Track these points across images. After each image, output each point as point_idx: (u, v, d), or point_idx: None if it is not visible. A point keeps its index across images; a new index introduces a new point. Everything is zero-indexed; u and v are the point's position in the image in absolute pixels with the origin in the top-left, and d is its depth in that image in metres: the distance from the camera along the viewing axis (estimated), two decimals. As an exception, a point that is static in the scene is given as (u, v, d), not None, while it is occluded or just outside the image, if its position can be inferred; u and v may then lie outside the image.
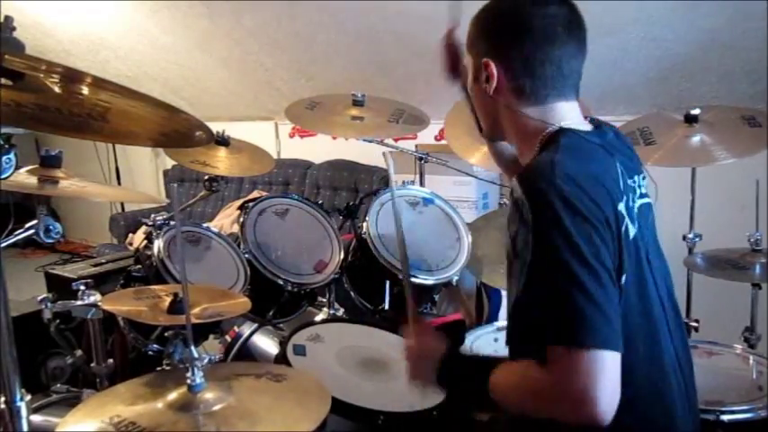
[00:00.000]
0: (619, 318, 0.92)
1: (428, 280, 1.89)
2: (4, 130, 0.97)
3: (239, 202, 2.74)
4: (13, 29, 0.94)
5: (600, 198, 0.95)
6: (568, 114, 1.08)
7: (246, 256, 1.86)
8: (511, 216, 1.01)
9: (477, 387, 1.03)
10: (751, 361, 1.66)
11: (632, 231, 1.00)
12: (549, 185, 0.93)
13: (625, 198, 1.00)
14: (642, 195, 1.10)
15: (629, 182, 1.06)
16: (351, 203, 2.09)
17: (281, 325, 2.00)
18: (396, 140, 2.97)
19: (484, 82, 1.09)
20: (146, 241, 1.82)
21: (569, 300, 0.89)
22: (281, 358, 1.45)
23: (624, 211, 0.99)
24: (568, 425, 0.94)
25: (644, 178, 1.14)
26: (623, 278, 0.97)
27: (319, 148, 4.08)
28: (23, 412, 1.00)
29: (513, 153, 1.40)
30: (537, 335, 0.92)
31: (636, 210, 1.04)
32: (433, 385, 1.16)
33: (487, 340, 1.85)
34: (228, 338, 1.95)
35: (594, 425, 0.87)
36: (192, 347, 0.99)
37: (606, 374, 0.87)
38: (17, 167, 1.02)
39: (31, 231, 1.24)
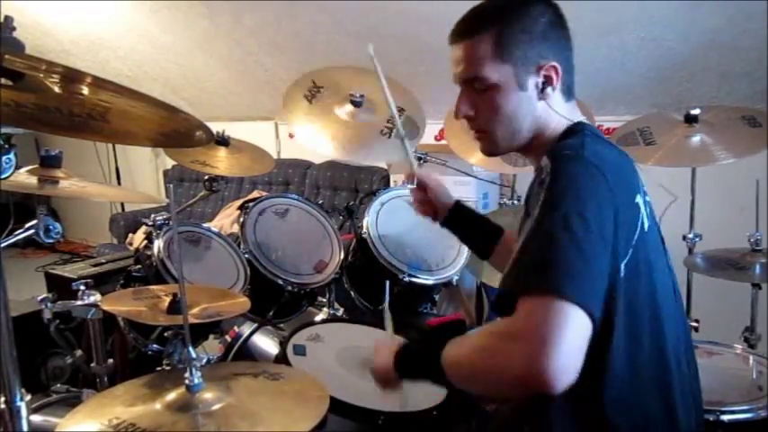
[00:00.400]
0: (603, 288, 0.88)
1: (428, 280, 1.89)
2: (4, 130, 0.97)
3: (239, 202, 2.74)
4: (13, 29, 0.94)
5: (621, 185, 0.94)
6: (579, 111, 1.12)
7: (246, 256, 1.86)
8: (531, 201, 1.00)
9: (435, 371, 0.97)
10: (751, 361, 1.66)
11: (647, 224, 1.00)
12: (576, 155, 0.94)
13: (641, 191, 1.01)
14: (646, 193, 1.10)
15: (641, 181, 1.06)
16: (351, 203, 2.10)
17: (281, 325, 1.99)
18: (396, 140, 2.97)
19: (537, 87, 1.05)
20: (146, 241, 1.82)
21: (556, 251, 0.85)
22: (281, 358, 1.45)
23: (641, 204, 0.99)
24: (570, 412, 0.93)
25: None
26: (623, 269, 0.94)
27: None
28: (23, 412, 1.00)
29: None
30: (513, 279, 0.89)
31: (647, 204, 1.04)
32: (400, 385, 1.12)
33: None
34: (228, 338, 1.95)
35: (542, 387, 0.78)
36: (191, 348, 0.99)
37: (571, 330, 0.80)
38: (17, 167, 1.02)
39: (31, 231, 1.24)
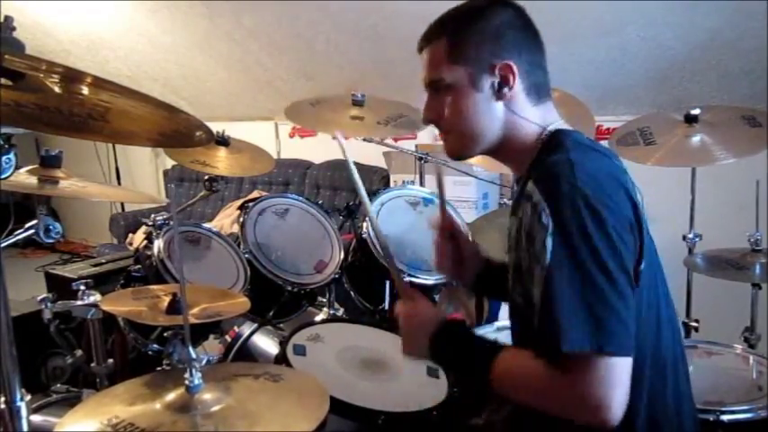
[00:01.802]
0: (633, 323, 0.91)
1: (428, 280, 1.89)
2: (4, 130, 0.97)
3: (239, 202, 2.74)
4: (13, 29, 0.94)
5: (621, 199, 0.94)
6: (556, 115, 1.10)
7: (246, 256, 1.86)
8: (523, 218, 0.99)
9: (478, 370, 1.00)
10: (751, 361, 1.66)
11: (645, 227, 0.99)
12: (571, 188, 0.91)
13: (637, 193, 1.00)
14: (638, 192, 1.10)
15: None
16: (351, 203, 2.09)
17: (281, 325, 2.00)
18: (396, 140, 2.97)
19: (493, 87, 1.04)
20: (146, 241, 1.82)
21: (588, 305, 0.88)
22: (281, 358, 1.45)
23: (641, 208, 0.99)
24: (569, 426, 0.94)
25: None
26: (640, 273, 0.96)
27: (319, 148, 4.08)
28: (23, 412, 1.00)
29: None
30: (552, 339, 0.90)
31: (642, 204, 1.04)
32: (428, 359, 1.11)
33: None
34: (228, 338, 1.95)
35: (605, 428, 0.88)
36: (191, 348, 0.99)
37: (622, 381, 0.88)
38: (17, 167, 1.02)
39: (31, 231, 1.24)
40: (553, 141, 1.04)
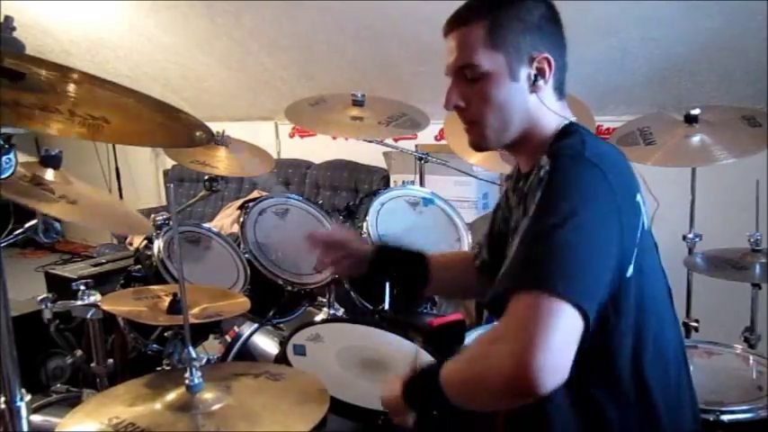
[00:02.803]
0: (600, 293, 0.87)
1: (428, 280, 1.88)
2: (4, 130, 0.97)
3: (239, 202, 2.74)
4: (13, 29, 0.94)
5: (622, 185, 0.94)
6: (570, 112, 1.10)
7: (246, 256, 1.86)
8: (521, 196, 1.00)
9: (433, 390, 0.94)
10: (751, 361, 1.66)
11: (646, 224, 0.99)
12: (577, 154, 0.92)
13: (639, 191, 1.01)
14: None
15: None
16: (351, 203, 2.09)
17: (281, 325, 1.99)
18: (396, 140, 2.97)
19: (530, 78, 1.03)
20: (146, 241, 1.82)
21: (554, 248, 0.84)
22: (281, 358, 1.45)
23: (641, 203, 0.99)
24: (568, 424, 0.94)
25: None
26: (630, 269, 0.94)
27: (319, 148, 4.08)
28: (23, 412, 1.00)
29: None
30: (507, 278, 0.87)
31: (644, 204, 1.04)
32: (413, 412, 1.04)
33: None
34: (228, 338, 1.94)
35: (527, 388, 0.77)
36: (191, 348, 0.99)
37: (561, 331, 0.78)
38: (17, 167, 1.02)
39: (31, 231, 1.24)
40: (567, 131, 1.05)
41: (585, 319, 0.82)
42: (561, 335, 0.78)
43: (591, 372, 0.94)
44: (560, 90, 1.08)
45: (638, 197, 0.99)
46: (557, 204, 0.87)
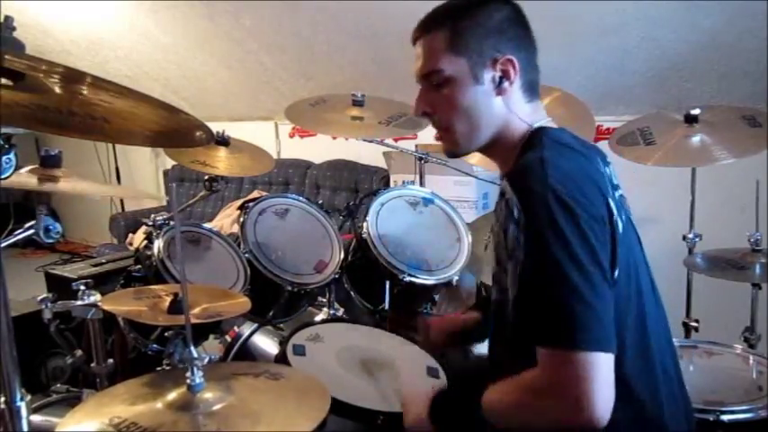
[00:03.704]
0: (612, 319, 0.91)
1: (428, 280, 1.88)
2: (4, 130, 0.97)
3: (239, 202, 2.74)
4: (13, 29, 0.94)
5: (593, 195, 0.94)
6: (543, 113, 1.11)
7: (246, 256, 1.86)
8: (499, 216, 1.01)
9: (473, 416, 1.02)
10: (751, 361, 1.66)
11: (620, 225, 0.99)
12: (542, 185, 0.91)
13: (611, 191, 1.01)
14: (615, 187, 1.08)
15: (606, 171, 1.06)
16: (351, 203, 2.09)
17: (281, 325, 1.99)
18: (396, 140, 2.97)
19: (494, 81, 1.04)
20: (146, 241, 1.82)
21: (561, 301, 0.88)
22: (281, 358, 1.45)
23: (613, 206, 0.98)
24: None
25: (610, 165, 1.12)
26: (616, 273, 0.96)
27: (319, 148, 4.08)
28: (23, 412, 1.00)
29: None
30: (529, 336, 0.91)
31: (618, 201, 1.03)
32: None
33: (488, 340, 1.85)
34: (228, 338, 1.94)
35: (592, 429, 0.86)
36: (192, 347, 0.99)
37: (601, 377, 0.86)
38: (17, 167, 1.02)
39: (31, 231, 1.24)
40: (533, 139, 1.05)
41: (611, 351, 0.88)
42: (603, 382, 0.86)
43: None
44: (531, 90, 1.09)
45: (611, 201, 0.98)
46: (546, 250, 0.89)
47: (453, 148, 1.12)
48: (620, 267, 0.97)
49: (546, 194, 0.90)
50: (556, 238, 0.88)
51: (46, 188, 1.42)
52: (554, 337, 0.88)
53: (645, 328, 1.03)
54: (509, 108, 1.06)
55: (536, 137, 1.05)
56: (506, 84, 1.04)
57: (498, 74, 1.04)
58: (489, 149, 1.12)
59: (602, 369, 0.86)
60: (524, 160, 1.00)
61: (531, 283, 0.92)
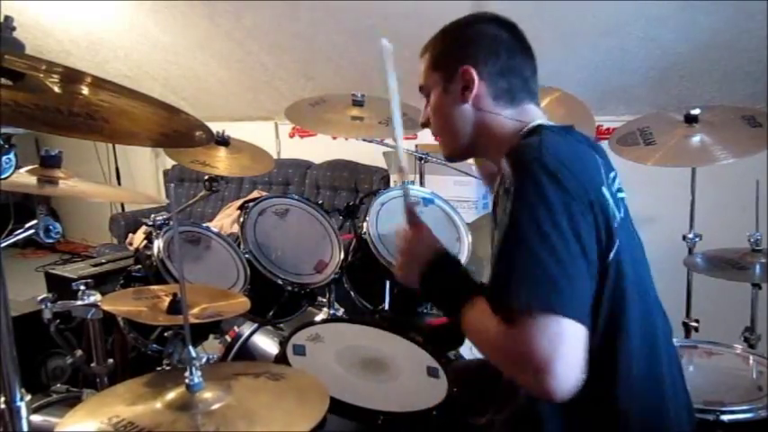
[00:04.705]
0: (588, 294, 0.92)
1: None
2: (4, 130, 0.97)
3: (239, 202, 2.74)
4: (13, 29, 0.94)
5: (584, 178, 0.97)
6: (539, 115, 1.15)
7: (246, 256, 1.86)
8: (499, 202, 1.02)
9: (453, 312, 1.06)
10: (751, 361, 1.66)
11: (617, 216, 1.00)
12: (535, 159, 0.95)
13: (607, 183, 1.02)
14: (619, 190, 1.10)
15: (609, 174, 1.07)
16: (351, 203, 2.09)
17: (281, 325, 1.99)
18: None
19: (459, 91, 1.14)
20: (146, 241, 1.82)
21: (539, 263, 0.89)
22: (281, 358, 1.45)
23: (608, 195, 1.00)
24: (570, 425, 0.94)
25: (616, 175, 1.13)
26: (611, 255, 0.97)
27: (319, 148, 4.08)
28: (23, 412, 1.00)
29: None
30: (503, 294, 0.92)
31: (618, 198, 1.04)
32: (417, 287, 1.15)
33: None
34: (228, 338, 1.95)
35: (549, 399, 0.85)
36: (191, 347, 0.99)
37: (568, 344, 0.86)
38: (17, 167, 1.02)
39: (31, 231, 1.24)
40: (531, 133, 1.09)
41: (584, 324, 0.88)
42: (569, 350, 0.86)
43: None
44: (511, 97, 1.14)
45: (605, 190, 1.00)
46: (530, 217, 0.92)
47: (445, 152, 1.25)
48: (618, 256, 0.97)
49: (536, 168, 0.94)
50: (543, 205, 0.91)
51: (46, 191, 1.41)
52: (526, 296, 0.88)
53: (651, 324, 1.04)
54: (486, 112, 1.14)
55: (535, 131, 1.09)
56: (467, 92, 1.13)
57: (461, 84, 1.13)
58: (477, 152, 1.24)
59: (571, 337, 0.86)
60: (523, 142, 1.06)
61: (511, 245, 0.93)
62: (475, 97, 1.13)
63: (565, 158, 0.96)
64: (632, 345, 0.99)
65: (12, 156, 0.99)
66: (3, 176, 0.98)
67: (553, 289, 0.88)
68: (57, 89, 0.96)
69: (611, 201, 0.99)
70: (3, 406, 0.99)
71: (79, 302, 1.55)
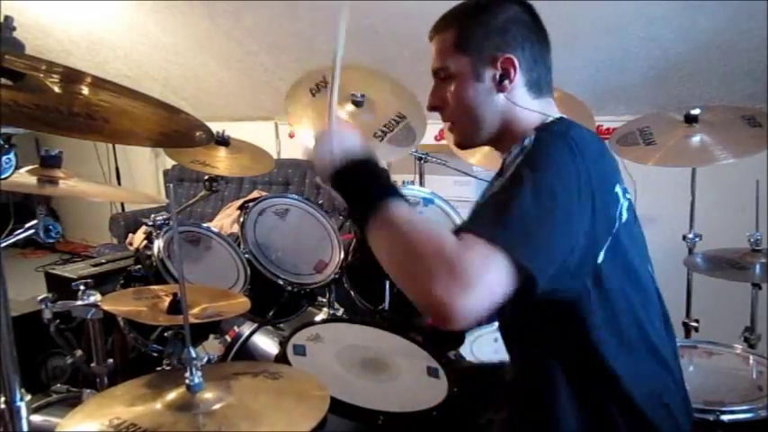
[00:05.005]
0: (558, 263, 0.88)
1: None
2: (4, 130, 0.97)
3: (239, 202, 2.74)
4: (13, 29, 0.94)
5: (600, 171, 0.95)
6: (556, 110, 1.13)
7: (246, 256, 1.86)
8: (509, 162, 1.01)
9: (366, 203, 0.95)
10: (751, 361, 1.66)
11: (625, 216, 1.00)
12: (561, 133, 0.95)
13: (621, 185, 1.02)
14: (626, 191, 1.09)
15: (620, 175, 1.07)
16: (351, 203, 2.09)
17: (281, 325, 1.99)
18: (396, 140, 2.97)
19: (495, 79, 1.08)
20: (146, 241, 1.82)
21: (520, 209, 0.86)
22: (281, 358, 1.45)
23: (620, 193, 1.00)
24: (568, 426, 0.94)
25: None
26: (601, 255, 0.96)
27: (319, 148, 4.07)
28: (23, 412, 1.00)
29: None
30: (473, 220, 0.92)
31: (628, 200, 1.04)
32: (327, 179, 1.05)
33: (487, 340, 1.85)
34: (228, 338, 1.95)
35: (446, 317, 0.80)
36: (191, 347, 0.99)
37: (498, 280, 0.81)
38: (17, 167, 1.02)
39: (31, 231, 1.24)
40: (554, 122, 1.08)
41: (533, 282, 0.83)
42: (489, 286, 0.81)
43: (578, 362, 1.00)
44: (539, 88, 1.11)
45: (618, 188, 0.99)
46: (534, 172, 0.90)
47: (460, 139, 1.18)
48: (615, 249, 0.97)
49: (560, 136, 0.94)
50: (551, 168, 0.91)
51: (46, 191, 1.41)
52: (485, 226, 0.85)
53: (652, 327, 1.05)
54: (514, 103, 1.09)
55: (557, 121, 1.08)
56: (507, 82, 1.08)
57: (499, 72, 1.08)
58: (496, 143, 1.16)
59: (498, 274, 0.81)
60: (552, 125, 1.05)
61: (503, 189, 0.92)
62: (510, 88, 1.08)
63: (589, 144, 0.96)
64: (632, 348, 1.00)
65: (12, 156, 0.99)
66: (3, 176, 0.98)
67: (515, 230, 0.84)
68: (57, 89, 0.96)
69: (621, 198, 0.99)
70: (3, 406, 0.99)
71: (79, 302, 1.55)
